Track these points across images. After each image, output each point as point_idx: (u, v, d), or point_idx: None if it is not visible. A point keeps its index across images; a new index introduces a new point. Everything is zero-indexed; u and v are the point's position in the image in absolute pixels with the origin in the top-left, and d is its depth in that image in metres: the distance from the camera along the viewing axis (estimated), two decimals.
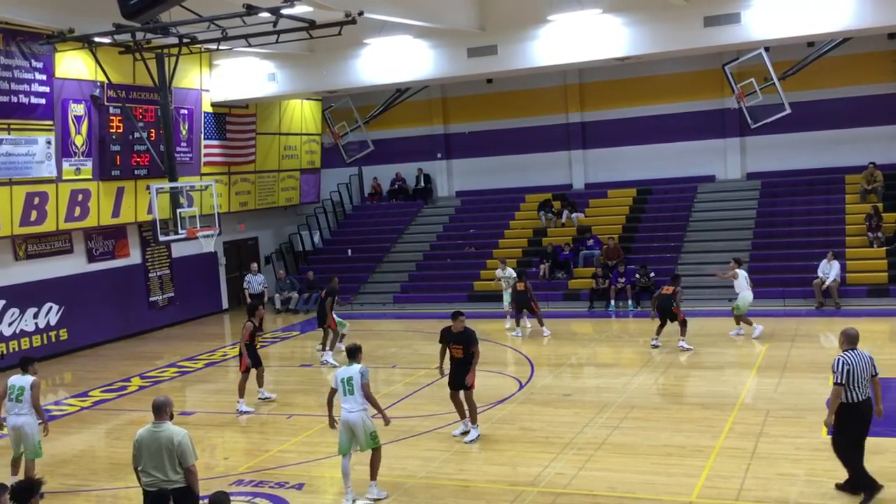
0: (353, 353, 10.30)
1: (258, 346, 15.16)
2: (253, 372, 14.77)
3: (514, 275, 20.64)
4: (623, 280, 22.41)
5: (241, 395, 14.67)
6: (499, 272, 21.27)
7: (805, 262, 21.62)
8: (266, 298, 22.60)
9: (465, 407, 12.27)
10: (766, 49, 22.04)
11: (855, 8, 17.79)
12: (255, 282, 22.92)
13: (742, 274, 18.18)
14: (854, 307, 20.42)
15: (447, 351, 12.26)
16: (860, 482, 9.31)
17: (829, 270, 20.62)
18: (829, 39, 21.92)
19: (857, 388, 9.13)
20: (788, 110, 23.12)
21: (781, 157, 25.54)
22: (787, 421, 12.19)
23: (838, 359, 9.22)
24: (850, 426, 9.26)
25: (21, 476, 10.83)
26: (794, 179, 25.33)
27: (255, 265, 23.79)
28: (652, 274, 22.38)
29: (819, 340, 18.35)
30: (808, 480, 9.95)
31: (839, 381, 9.12)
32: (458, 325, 12.14)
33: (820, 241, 22.39)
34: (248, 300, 22.50)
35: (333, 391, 10.31)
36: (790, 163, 25.44)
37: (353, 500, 10.14)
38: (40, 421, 11.08)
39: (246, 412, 14.54)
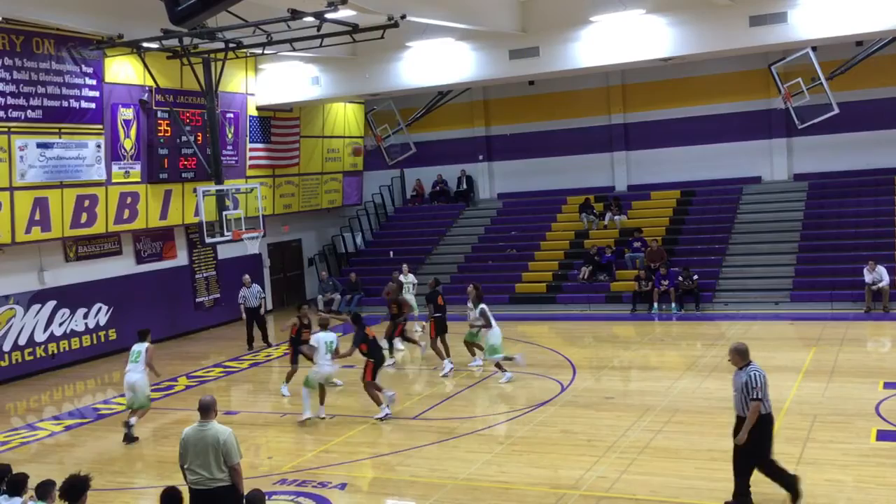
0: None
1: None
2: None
3: (415, 280, 20.73)
4: (666, 283, 22.19)
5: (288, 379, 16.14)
6: (402, 277, 21.29)
7: (853, 265, 21.19)
8: (264, 310, 21.25)
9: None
10: (814, 48, 21.69)
11: None
12: (252, 294, 20.87)
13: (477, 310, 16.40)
14: None
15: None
16: (743, 494, 9.10)
17: (877, 276, 20.22)
18: (878, 38, 21.51)
19: (767, 400, 9.00)
20: (836, 110, 22.72)
21: (829, 158, 25.11)
22: (834, 426, 12.00)
23: (753, 374, 8.89)
24: (764, 439, 9.00)
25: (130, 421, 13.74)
26: (842, 181, 24.86)
27: (247, 277, 21.49)
28: (695, 277, 22.13)
29: (867, 345, 18.01)
30: (855, 487, 9.79)
31: (759, 395, 8.85)
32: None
33: (868, 244, 21.96)
34: (244, 315, 20.90)
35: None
36: (838, 164, 24.99)
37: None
38: (154, 375, 14.14)
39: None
